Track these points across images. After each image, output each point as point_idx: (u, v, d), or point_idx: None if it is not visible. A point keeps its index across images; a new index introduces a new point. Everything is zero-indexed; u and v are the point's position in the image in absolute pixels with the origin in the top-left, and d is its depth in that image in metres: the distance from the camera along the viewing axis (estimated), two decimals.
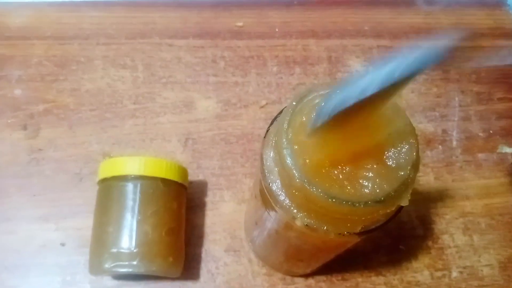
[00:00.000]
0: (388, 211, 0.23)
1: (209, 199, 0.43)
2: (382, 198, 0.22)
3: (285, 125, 0.24)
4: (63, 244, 0.40)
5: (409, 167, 0.23)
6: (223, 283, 0.40)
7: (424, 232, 0.44)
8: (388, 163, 0.24)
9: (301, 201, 0.24)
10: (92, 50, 0.49)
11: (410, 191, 0.23)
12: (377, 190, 0.22)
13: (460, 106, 0.51)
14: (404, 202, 0.23)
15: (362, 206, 0.22)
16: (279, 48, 0.52)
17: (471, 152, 0.48)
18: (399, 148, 0.24)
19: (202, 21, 0.53)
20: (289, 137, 0.23)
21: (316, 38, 0.54)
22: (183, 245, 0.38)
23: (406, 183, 0.23)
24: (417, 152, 0.24)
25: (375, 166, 0.23)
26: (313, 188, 0.22)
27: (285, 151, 0.23)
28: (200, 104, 0.48)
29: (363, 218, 0.23)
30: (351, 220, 0.23)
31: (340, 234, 0.24)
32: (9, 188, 0.42)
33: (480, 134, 0.50)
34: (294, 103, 0.24)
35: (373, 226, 0.24)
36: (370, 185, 0.23)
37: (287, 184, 0.24)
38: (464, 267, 0.43)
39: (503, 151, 0.49)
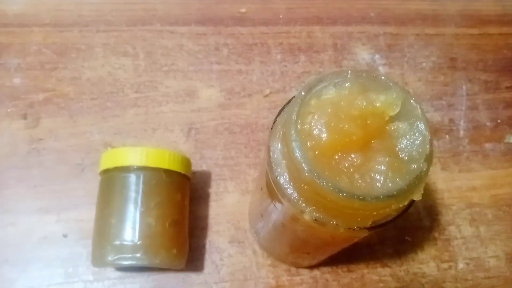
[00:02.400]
0: (400, 205, 0.22)
1: (213, 190, 0.43)
2: (395, 193, 0.21)
3: (294, 116, 0.23)
4: (65, 236, 0.40)
5: (422, 160, 0.22)
6: (227, 274, 0.40)
7: (430, 223, 0.43)
8: (401, 156, 0.23)
9: (310, 195, 0.23)
10: (92, 38, 0.48)
11: (423, 185, 0.22)
12: (389, 184, 0.22)
13: (468, 95, 0.50)
14: (417, 197, 0.22)
15: (373, 201, 0.21)
16: (283, 35, 0.51)
17: (478, 142, 0.48)
18: (412, 140, 0.23)
19: (204, 7, 0.52)
20: (298, 128, 0.22)
21: (321, 25, 0.52)
22: (187, 236, 0.38)
23: (420, 177, 0.22)
24: (431, 144, 0.23)
25: (387, 158, 0.22)
26: (323, 182, 0.21)
27: (294, 144, 0.22)
28: (203, 93, 0.47)
29: (374, 213, 0.22)
30: (362, 214, 0.22)
31: (350, 228, 0.23)
32: (9, 179, 0.41)
33: (488, 123, 0.49)
34: (303, 93, 0.23)
35: (384, 221, 0.24)
36: (382, 178, 0.22)
37: (296, 178, 0.23)
38: (471, 259, 0.42)
39: (511, 141, 0.48)
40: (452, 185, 0.45)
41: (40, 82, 0.46)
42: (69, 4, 0.50)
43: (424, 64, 0.51)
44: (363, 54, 0.51)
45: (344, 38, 0.52)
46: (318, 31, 0.52)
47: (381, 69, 0.50)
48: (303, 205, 0.23)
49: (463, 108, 0.49)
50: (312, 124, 0.23)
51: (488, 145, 0.48)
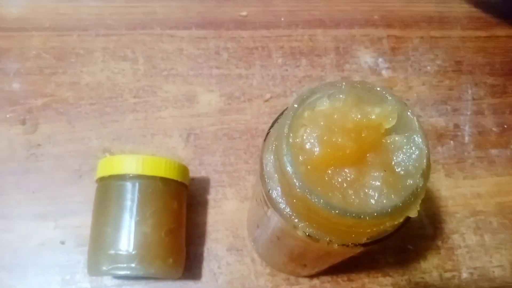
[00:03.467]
0: (396, 222, 0.21)
1: (211, 196, 0.42)
2: (389, 210, 0.20)
3: (286, 130, 0.22)
4: (62, 243, 0.39)
5: (418, 175, 0.21)
6: (225, 283, 0.39)
7: (433, 232, 0.42)
8: (397, 170, 0.22)
9: (302, 210, 0.22)
10: (92, 42, 0.48)
11: (419, 201, 0.21)
12: (384, 201, 0.21)
13: (473, 99, 0.49)
14: (413, 214, 0.21)
15: (367, 218, 0.20)
16: (284, 38, 0.50)
17: (483, 148, 0.47)
18: (408, 154, 0.22)
19: (205, 10, 0.51)
20: (290, 142, 0.22)
21: (323, 28, 0.51)
22: (183, 245, 0.37)
23: (416, 193, 0.21)
24: (428, 159, 0.22)
25: (382, 173, 0.22)
26: (314, 199, 0.20)
27: (285, 158, 0.21)
28: (203, 97, 0.46)
29: (368, 230, 0.22)
30: (356, 231, 0.22)
31: (344, 245, 0.23)
32: (7, 184, 0.41)
33: (494, 129, 0.48)
34: (296, 106, 0.23)
35: (380, 237, 0.23)
36: (376, 194, 0.21)
37: (288, 192, 0.22)
38: (475, 268, 0.41)
39: None
40: (456, 192, 0.44)
41: (39, 87, 0.45)
42: (68, 8, 0.49)
43: (429, 67, 0.50)
44: (366, 58, 0.50)
45: (346, 41, 0.51)
46: (320, 34, 0.51)
47: (385, 73, 0.49)
48: (296, 220, 0.23)
49: (469, 113, 0.48)
50: (305, 137, 0.22)
51: (494, 151, 0.46)
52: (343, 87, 0.23)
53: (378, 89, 0.23)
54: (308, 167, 0.21)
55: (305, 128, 0.22)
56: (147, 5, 0.50)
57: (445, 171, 0.45)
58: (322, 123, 0.22)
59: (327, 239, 0.23)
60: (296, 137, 0.22)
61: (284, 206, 0.23)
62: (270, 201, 0.24)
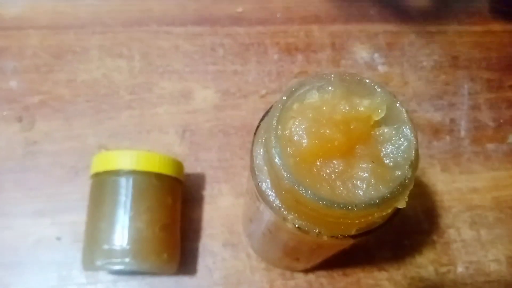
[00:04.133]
0: (384, 213, 0.22)
1: (207, 192, 0.42)
2: (377, 201, 0.20)
3: (274, 122, 0.22)
4: (59, 239, 0.40)
5: (407, 167, 0.21)
6: (220, 278, 0.39)
7: (429, 226, 0.42)
8: (385, 162, 0.22)
9: (291, 203, 0.22)
10: (88, 40, 0.48)
11: (408, 192, 0.21)
12: (372, 192, 0.21)
13: (469, 94, 0.49)
14: (401, 204, 0.21)
15: (354, 209, 0.20)
16: (280, 34, 0.50)
17: (480, 143, 0.46)
18: (397, 146, 0.22)
19: (201, 7, 0.51)
20: (279, 134, 0.22)
21: (319, 24, 0.52)
22: (178, 241, 0.37)
23: (404, 184, 0.21)
24: (416, 150, 0.22)
25: (370, 165, 0.22)
26: (302, 190, 0.20)
27: (273, 150, 0.21)
28: (198, 94, 0.46)
29: (357, 221, 0.22)
30: (345, 222, 0.22)
31: (333, 237, 0.23)
32: (4, 182, 0.41)
33: (490, 123, 0.48)
34: (285, 98, 0.23)
35: (369, 228, 0.23)
36: (364, 186, 0.21)
37: (277, 185, 0.22)
38: (470, 262, 0.41)
39: None
40: (452, 187, 0.44)
41: (36, 85, 0.46)
42: (65, 7, 0.50)
43: (425, 63, 0.50)
44: (362, 53, 0.50)
45: (342, 37, 0.51)
46: (316, 30, 0.51)
47: (380, 68, 0.49)
48: (285, 212, 0.23)
49: (465, 107, 0.48)
50: (293, 129, 0.22)
51: (490, 146, 0.46)
52: (332, 79, 0.23)
53: (367, 81, 0.23)
54: (297, 159, 0.22)
55: (293, 121, 0.22)
56: (143, 3, 0.50)
57: (441, 166, 0.45)
58: (310, 115, 0.22)
59: (316, 231, 0.23)
60: (285, 129, 0.22)
61: (273, 198, 0.23)
62: (260, 194, 0.24)
